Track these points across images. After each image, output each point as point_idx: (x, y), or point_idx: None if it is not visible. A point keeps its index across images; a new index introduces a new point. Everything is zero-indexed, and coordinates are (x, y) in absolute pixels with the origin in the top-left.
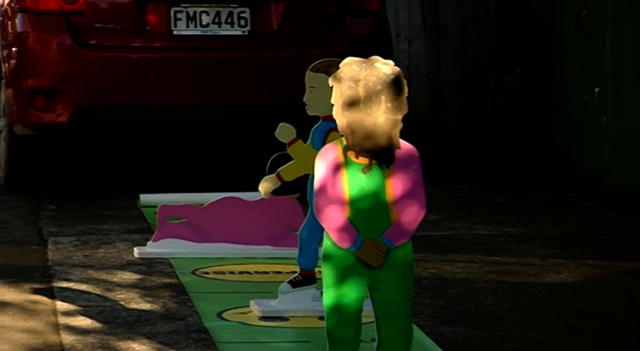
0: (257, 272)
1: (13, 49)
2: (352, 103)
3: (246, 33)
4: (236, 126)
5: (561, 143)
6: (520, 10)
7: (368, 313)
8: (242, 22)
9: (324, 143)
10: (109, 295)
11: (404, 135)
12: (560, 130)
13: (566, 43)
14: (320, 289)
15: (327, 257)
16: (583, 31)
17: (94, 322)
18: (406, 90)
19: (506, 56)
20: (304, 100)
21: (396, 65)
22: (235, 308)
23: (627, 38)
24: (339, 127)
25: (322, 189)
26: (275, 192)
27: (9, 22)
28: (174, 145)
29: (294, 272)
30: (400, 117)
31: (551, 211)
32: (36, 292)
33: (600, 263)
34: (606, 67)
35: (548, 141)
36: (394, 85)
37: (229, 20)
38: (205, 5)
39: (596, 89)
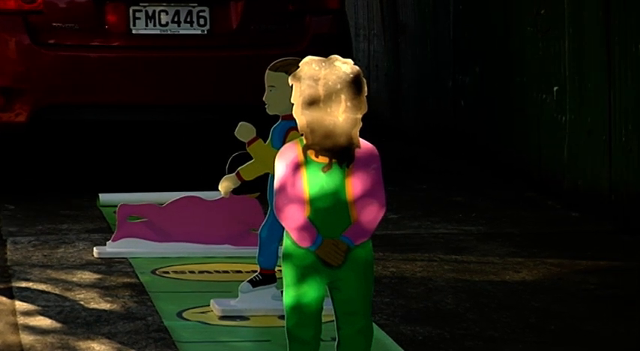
0: (217, 271)
1: None
2: (312, 102)
3: (206, 32)
4: (195, 125)
5: (520, 142)
6: (479, 9)
7: (328, 312)
8: (201, 22)
9: (283, 142)
10: (69, 294)
11: (363, 134)
12: (519, 130)
13: (524, 42)
14: (280, 288)
15: (287, 256)
16: (542, 31)
17: (54, 322)
18: (366, 89)
19: (465, 56)
20: (264, 99)
21: (355, 64)
22: (195, 307)
23: (585, 37)
24: (298, 126)
25: (282, 188)
26: (235, 191)
27: None
28: (134, 145)
29: (254, 271)
30: (360, 116)
31: (510, 210)
32: None
33: (559, 262)
34: (565, 66)
35: (507, 140)
36: (354, 84)
37: (188, 19)
38: (164, 4)
39: (555, 88)
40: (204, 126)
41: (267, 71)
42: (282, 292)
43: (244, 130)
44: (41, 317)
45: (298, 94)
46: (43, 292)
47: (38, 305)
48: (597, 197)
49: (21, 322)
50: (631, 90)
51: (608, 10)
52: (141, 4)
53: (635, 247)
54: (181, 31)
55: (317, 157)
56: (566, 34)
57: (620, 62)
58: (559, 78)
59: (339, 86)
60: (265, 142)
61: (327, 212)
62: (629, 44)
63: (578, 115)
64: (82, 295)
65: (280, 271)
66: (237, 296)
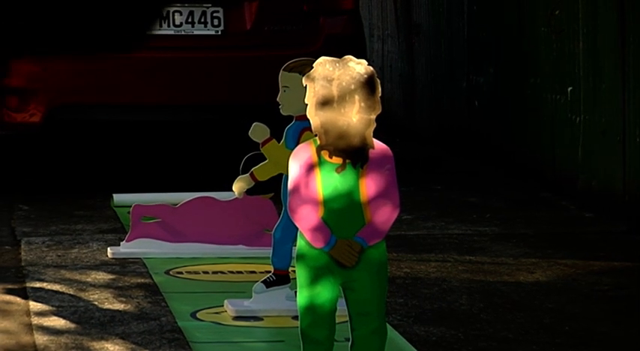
0: (231, 272)
1: None
2: (326, 103)
3: (220, 33)
4: (209, 126)
5: (534, 143)
6: (493, 9)
7: (342, 313)
8: (215, 22)
9: (297, 143)
10: (83, 295)
11: (377, 134)
12: (533, 130)
13: (539, 42)
14: (294, 288)
15: (301, 257)
16: (556, 31)
17: (68, 322)
18: (380, 90)
19: (479, 56)
20: (278, 99)
21: (369, 65)
22: (209, 308)
23: (600, 37)
24: (312, 127)
25: (296, 189)
26: (249, 192)
27: None
28: (148, 145)
29: (268, 272)
30: (374, 117)
31: (524, 210)
32: (9, 292)
33: (574, 262)
34: (579, 66)
35: (521, 141)
36: (368, 84)
37: (202, 20)
38: (178, 5)
39: (569, 89)
40: (217, 126)
41: (281, 72)
42: (295, 292)
43: (258, 131)
44: (55, 317)
45: (312, 94)
46: (57, 292)
47: (52, 306)
48: (611, 198)
49: (35, 322)
50: None
51: (622, 10)
52: None
53: None
54: (195, 32)
55: (331, 157)
56: (581, 34)
57: (635, 62)
58: (573, 78)
59: (352, 87)
60: (279, 142)
61: (341, 213)
62: None
63: (592, 115)
64: (96, 296)
65: (294, 271)
66: (250, 297)
